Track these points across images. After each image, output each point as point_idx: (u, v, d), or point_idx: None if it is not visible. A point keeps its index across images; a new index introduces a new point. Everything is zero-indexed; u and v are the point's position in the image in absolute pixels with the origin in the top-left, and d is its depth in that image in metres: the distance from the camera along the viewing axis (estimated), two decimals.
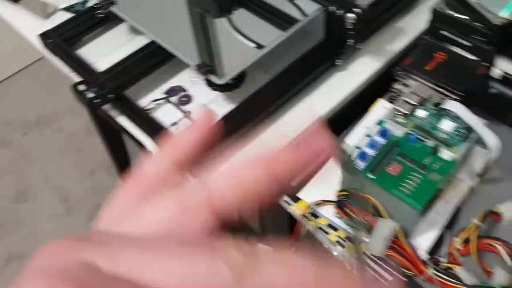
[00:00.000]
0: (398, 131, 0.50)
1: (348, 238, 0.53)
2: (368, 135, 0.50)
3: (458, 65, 0.58)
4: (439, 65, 0.58)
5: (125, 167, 1.35)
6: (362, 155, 0.48)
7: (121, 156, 1.32)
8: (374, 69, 0.64)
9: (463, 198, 0.55)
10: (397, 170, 0.47)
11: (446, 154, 0.48)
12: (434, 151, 0.48)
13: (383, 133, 0.50)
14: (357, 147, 0.49)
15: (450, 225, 0.53)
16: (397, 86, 0.60)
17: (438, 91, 0.56)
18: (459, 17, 0.57)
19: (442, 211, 0.53)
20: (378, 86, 0.63)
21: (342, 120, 0.63)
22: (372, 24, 0.66)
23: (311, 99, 0.62)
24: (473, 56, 0.58)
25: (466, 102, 0.56)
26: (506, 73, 0.58)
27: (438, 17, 0.59)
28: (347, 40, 0.61)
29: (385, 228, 0.47)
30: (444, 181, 0.47)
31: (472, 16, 0.56)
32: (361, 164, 0.48)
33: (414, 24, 0.67)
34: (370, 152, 0.48)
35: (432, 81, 0.56)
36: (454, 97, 0.55)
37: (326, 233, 0.54)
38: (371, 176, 0.47)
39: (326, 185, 0.55)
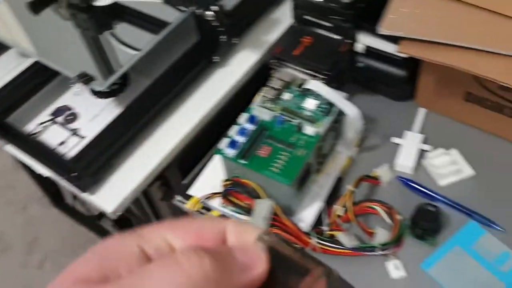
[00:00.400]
0: (266, 116, 0.53)
1: None
2: (237, 124, 0.52)
3: (323, 46, 0.61)
4: (306, 49, 0.61)
5: (56, 195, 1.33)
6: (232, 143, 0.50)
7: (50, 185, 1.30)
8: (252, 61, 0.67)
9: (343, 169, 0.58)
10: (267, 152, 0.50)
11: (309, 130, 0.51)
12: (299, 128, 0.51)
13: (251, 119, 0.52)
14: (228, 136, 0.51)
15: (333, 196, 0.56)
16: (274, 74, 0.63)
17: (308, 73, 0.59)
18: (315, 1, 0.60)
19: (323, 184, 0.56)
20: (261, 77, 0.65)
21: (230, 115, 0.65)
22: (245, 18, 0.68)
23: (195, 97, 0.64)
24: (336, 35, 0.62)
25: (335, 79, 0.59)
26: (368, 46, 0.62)
27: (298, 3, 0.62)
28: (220, 37, 0.64)
29: (263, 207, 0.49)
30: (311, 155, 0.50)
31: None
32: (231, 152, 0.50)
33: (288, 13, 0.70)
34: (241, 139, 0.51)
35: (300, 64, 0.59)
36: (322, 76, 0.58)
37: None
38: (243, 162, 0.50)
39: (215, 178, 0.57)
